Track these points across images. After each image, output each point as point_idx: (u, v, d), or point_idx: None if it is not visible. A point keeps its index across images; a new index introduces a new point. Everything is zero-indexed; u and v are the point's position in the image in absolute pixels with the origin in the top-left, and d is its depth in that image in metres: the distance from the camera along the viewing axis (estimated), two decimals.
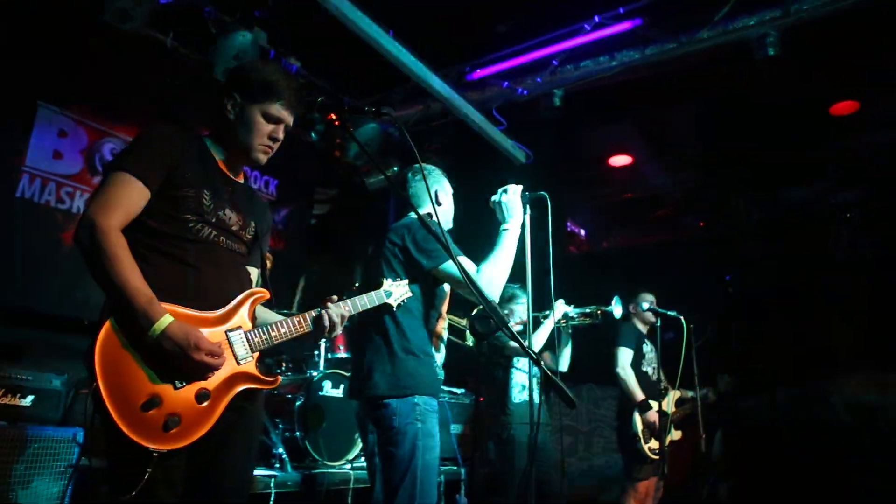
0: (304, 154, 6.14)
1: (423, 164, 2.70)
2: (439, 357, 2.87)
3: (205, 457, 1.90)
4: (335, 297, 2.18)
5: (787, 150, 6.19)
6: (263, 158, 2.14)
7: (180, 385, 1.80)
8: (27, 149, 4.97)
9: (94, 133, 5.42)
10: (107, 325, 1.75)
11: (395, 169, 5.99)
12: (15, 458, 3.14)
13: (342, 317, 2.15)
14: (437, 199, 2.89)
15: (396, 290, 2.42)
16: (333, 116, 2.23)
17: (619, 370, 4.69)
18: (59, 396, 3.49)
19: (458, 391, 5.59)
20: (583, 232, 9.03)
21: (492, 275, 2.54)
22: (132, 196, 1.87)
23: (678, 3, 5.22)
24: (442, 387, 5.20)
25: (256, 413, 2.06)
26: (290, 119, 2.13)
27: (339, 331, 2.13)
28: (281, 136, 2.14)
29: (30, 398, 3.32)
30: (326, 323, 2.10)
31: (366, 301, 2.33)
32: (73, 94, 5.27)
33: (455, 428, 5.42)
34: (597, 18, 5.41)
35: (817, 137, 6.96)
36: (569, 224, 8.06)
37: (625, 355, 4.72)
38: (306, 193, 7.25)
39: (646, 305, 4.62)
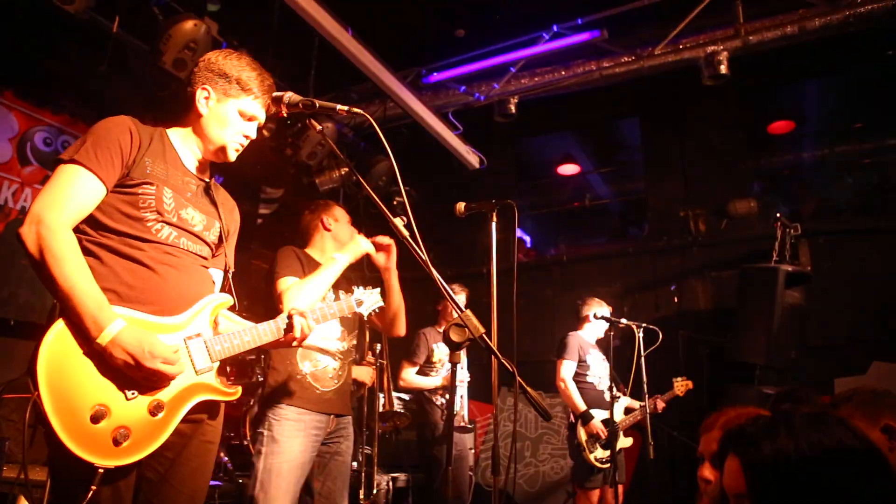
0: (251, 151, 5.93)
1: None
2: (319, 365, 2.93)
3: (157, 471, 1.78)
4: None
5: (729, 164, 6.41)
6: (234, 155, 2.05)
7: (132, 396, 1.67)
8: None
9: (26, 120, 5.09)
10: (54, 328, 1.61)
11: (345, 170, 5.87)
12: None
13: (311, 326, 2.04)
14: (325, 226, 3.20)
15: (368, 299, 2.32)
16: (284, 114, 2.12)
17: (560, 382, 4.73)
18: None
19: (406, 397, 5.51)
20: (528, 239, 9.12)
21: (295, 294, 2.66)
22: (85, 191, 1.72)
23: (636, 18, 5.33)
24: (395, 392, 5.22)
25: (215, 427, 1.93)
26: (263, 118, 2.05)
27: (307, 339, 2.03)
28: (254, 134, 2.05)
29: None
30: (298, 333, 2.00)
31: (335, 309, 2.23)
32: (3, 78, 4.93)
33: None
34: (555, 28, 5.47)
35: (758, 153, 7.27)
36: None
37: (566, 368, 4.74)
38: (252, 193, 7.02)
39: (599, 313, 4.66)
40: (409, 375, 4.75)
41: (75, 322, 1.61)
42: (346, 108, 2.08)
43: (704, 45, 5.31)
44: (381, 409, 4.32)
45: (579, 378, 4.75)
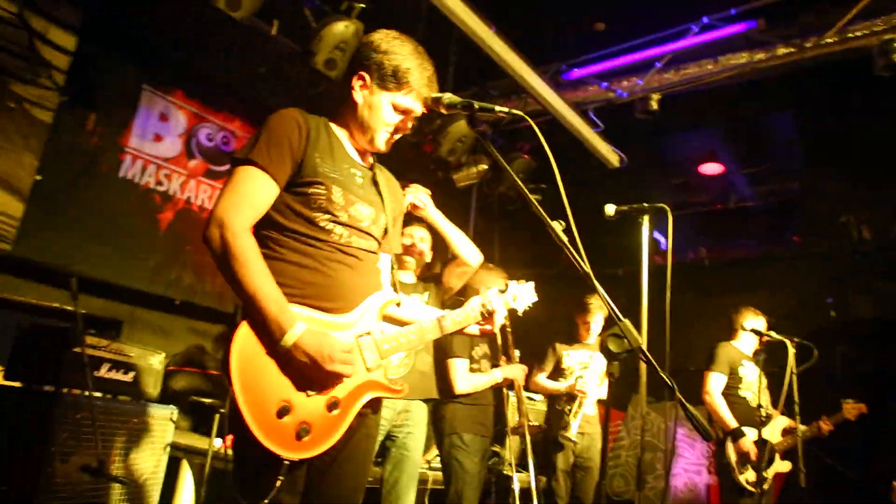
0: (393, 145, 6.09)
1: None
2: None
3: (325, 461, 1.84)
4: (499, 289, 2.15)
5: None
6: (385, 147, 2.02)
7: (312, 393, 1.75)
8: (131, 131, 5.13)
9: (192, 118, 5.55)
10: (240, 329, 1.70)
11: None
12: (116, 431, 3.21)
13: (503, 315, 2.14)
14: None
15: (522, 294, 2.24)
16: (444, 112, 2.11)
17: (706, 396, 4.41)
18: (156, 374, 3.56)
19: (537, 397, 5.47)
20: (663, 241, 8.71)
21: None
22: (261, 192, 1.79)
23: (796, 6, 4.92)
24: (526, 393, 5.24)
25: (376, 419, 2.01)
26: (419, 111, 2.00)
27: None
28: (409, 126, 2.01)
29: (131, 374, 3.39)
30: (502, 320, 2.12)
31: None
32: (175, 79, 5.40)
33: None
34: (706, 20, 5.16)
35: None
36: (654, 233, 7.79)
37: (715, 381, 4.43)
38: None
39: (749, 325, 4.35)
40: (538, 378, 4.78)
41: (259, 324, 1.69)
42: (505, 109, 2.04)
43: (879, 32, 4.81)
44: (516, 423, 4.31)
45: (730, 392, 4.44)
